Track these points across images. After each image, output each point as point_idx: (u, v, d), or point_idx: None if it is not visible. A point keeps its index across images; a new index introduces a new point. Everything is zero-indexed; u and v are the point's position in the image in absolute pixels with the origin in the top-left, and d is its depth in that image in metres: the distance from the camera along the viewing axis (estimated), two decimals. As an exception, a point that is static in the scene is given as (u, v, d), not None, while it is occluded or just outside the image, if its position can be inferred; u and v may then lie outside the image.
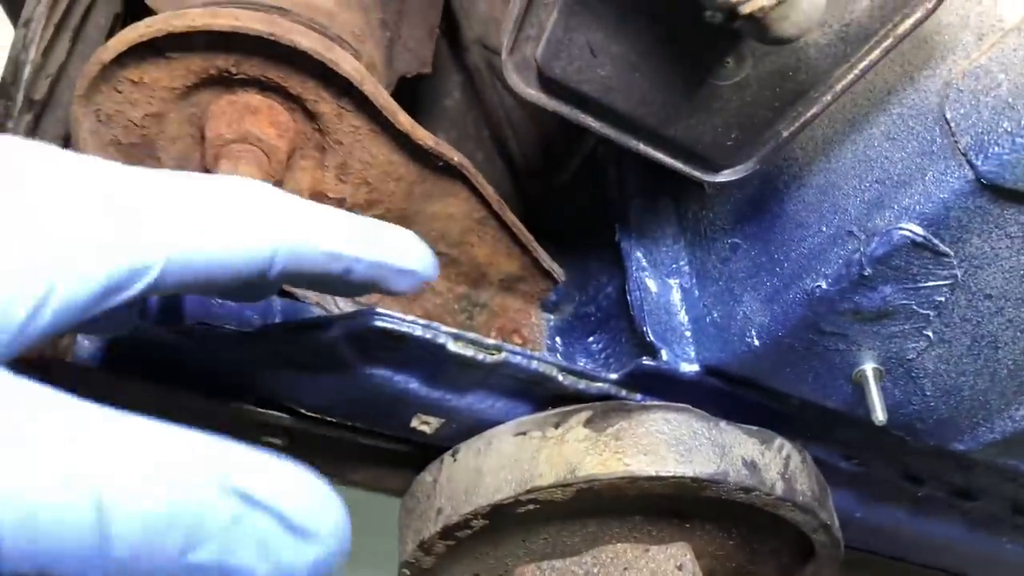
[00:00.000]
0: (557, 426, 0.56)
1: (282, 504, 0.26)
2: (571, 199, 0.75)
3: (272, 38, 0.45)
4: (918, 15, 0.41)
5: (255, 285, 0.35)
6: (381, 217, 0.58)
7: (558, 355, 0.68)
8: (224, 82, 0.49)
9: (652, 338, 0.59)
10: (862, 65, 0.44)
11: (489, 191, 0.58)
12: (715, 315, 0.59)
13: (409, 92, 0.67)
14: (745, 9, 0.33)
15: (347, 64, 0.46)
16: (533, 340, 0.66)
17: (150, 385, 0.57)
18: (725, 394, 0.60)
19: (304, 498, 0.27)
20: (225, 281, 0.32)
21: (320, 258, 0.35)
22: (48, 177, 0.29)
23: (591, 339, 0.69)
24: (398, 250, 0.39)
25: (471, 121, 0.76)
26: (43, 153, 0.30)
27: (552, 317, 0.69)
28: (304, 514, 0.27)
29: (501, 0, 0.70)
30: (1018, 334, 0.52)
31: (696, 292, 0.61)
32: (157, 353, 0.55)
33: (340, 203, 0.56)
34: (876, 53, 0.43)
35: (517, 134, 0.72)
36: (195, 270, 0.31)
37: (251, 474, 0.26)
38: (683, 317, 0.61)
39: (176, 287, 0.31)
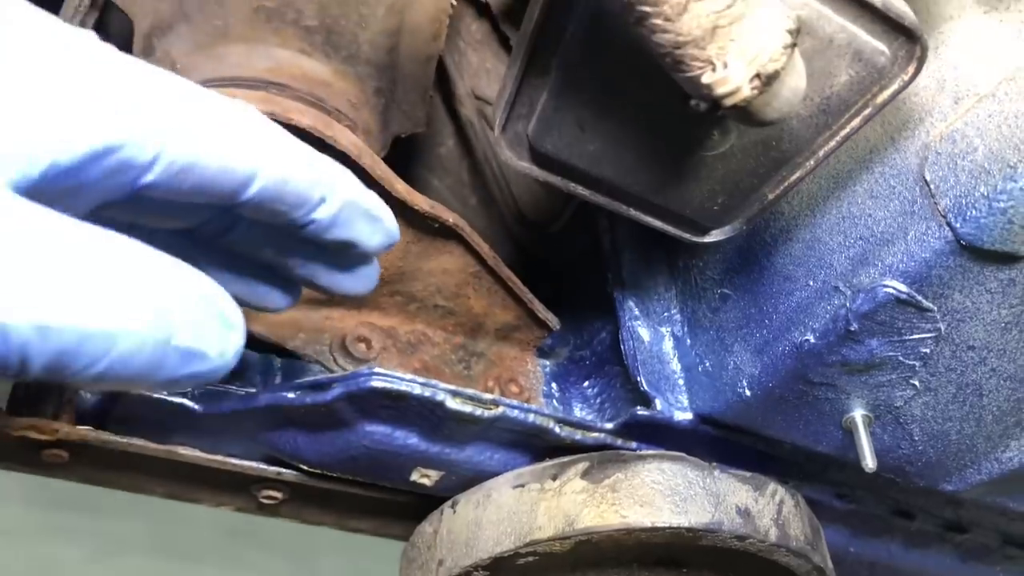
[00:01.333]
0: (555, 478, 0.57)
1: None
2: (565, 244, 0.76)
3: (272, 118, 0.46)
4: (895, 87, 0.43)
5: (224, 208, 0.36)
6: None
7: (554, 401, 0.69)
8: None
9: (646, 388, 0.60)
10: (843, 132, 0.45)
11: (484, 248, 0.59)
12: (707, 364, 0.60)
13: (405, 140, 0.69)
14: (729, 101, 0.34)
15: (344, 139, 0.48)
16: (530, 388, 0.67)
17: (152, 443, 0.58)
18: (719, 440, 0.62)
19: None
20: (203, 186, 0.33)
21: (299, 182, 0.36)
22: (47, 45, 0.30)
23: (586, 384, 0.70)
24: (368, 194, 0.39)
25: (466, 168, 0.77)
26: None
27: (548, 363, 0.71)
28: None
29: (491, 52, 0.71)
30: (1001, 382, 0.53)
31: (688, 341, 0.62)
32: (159, 412, 0.56)
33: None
34: (857, 121, 0.44)
35: (510, 183, 0.73)
36: (182, 166, 0.32)
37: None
38: (676, 365, 0.62)
39: (160, 179, 0.32)
